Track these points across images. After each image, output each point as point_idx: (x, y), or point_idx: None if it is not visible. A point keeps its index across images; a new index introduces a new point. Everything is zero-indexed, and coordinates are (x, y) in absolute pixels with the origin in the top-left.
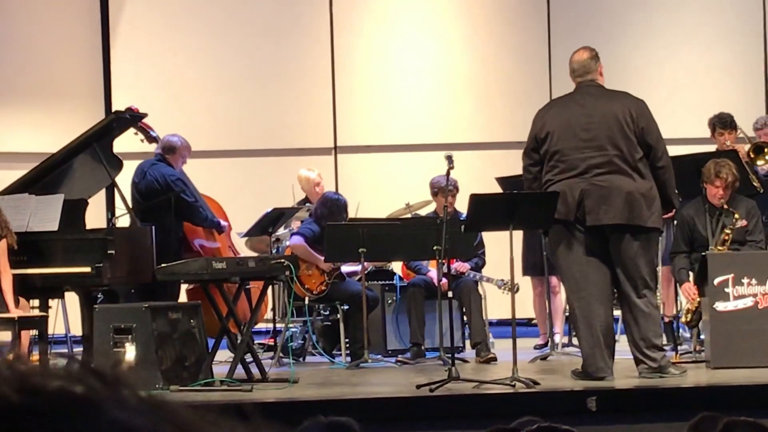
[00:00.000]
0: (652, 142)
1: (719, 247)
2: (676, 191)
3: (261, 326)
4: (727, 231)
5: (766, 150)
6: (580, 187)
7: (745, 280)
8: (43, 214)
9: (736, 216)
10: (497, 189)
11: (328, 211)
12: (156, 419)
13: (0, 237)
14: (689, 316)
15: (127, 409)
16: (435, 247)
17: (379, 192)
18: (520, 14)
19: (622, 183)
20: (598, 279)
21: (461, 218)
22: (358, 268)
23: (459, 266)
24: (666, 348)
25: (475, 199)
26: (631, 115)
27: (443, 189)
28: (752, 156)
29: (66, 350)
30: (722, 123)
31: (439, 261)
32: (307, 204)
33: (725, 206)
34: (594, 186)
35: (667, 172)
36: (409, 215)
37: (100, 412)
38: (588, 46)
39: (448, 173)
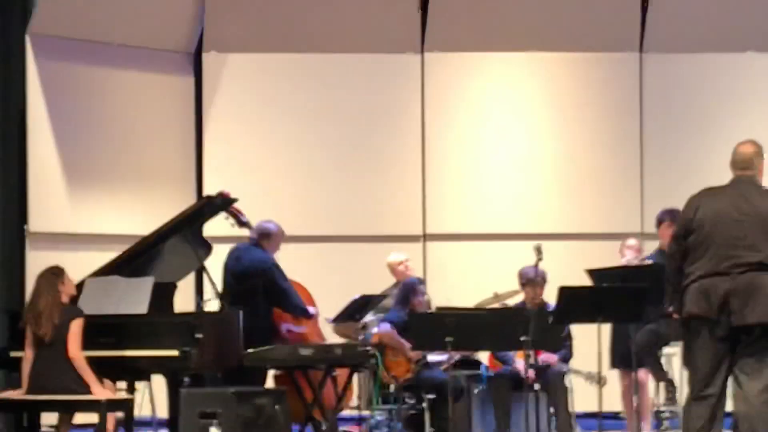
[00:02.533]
0: None
1: None
2: None
3: (346, 413)
4: None
5: None
6: (725, 286)
7: None
8: (132, 297)
9: None
10: (585, 280)
11: (402, 294)
12: None
13: (73, 318)
14: None
15: None
16: (522, 338)
17: (468, 280)
18: (612, 107)
19: (766, 280)
20: (724, 376)
21: (549, 309)
22: (444, 357)
23: (546, 357)
24: None
25: (565, 292)
26: None
27: (532, 280)
28: None
29: None
30: None
31: (527, 352)
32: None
33: None
34: (739, 285)
35: None
36: (497, 305)
37: None
38: (754, 140)
39: (536, 264)
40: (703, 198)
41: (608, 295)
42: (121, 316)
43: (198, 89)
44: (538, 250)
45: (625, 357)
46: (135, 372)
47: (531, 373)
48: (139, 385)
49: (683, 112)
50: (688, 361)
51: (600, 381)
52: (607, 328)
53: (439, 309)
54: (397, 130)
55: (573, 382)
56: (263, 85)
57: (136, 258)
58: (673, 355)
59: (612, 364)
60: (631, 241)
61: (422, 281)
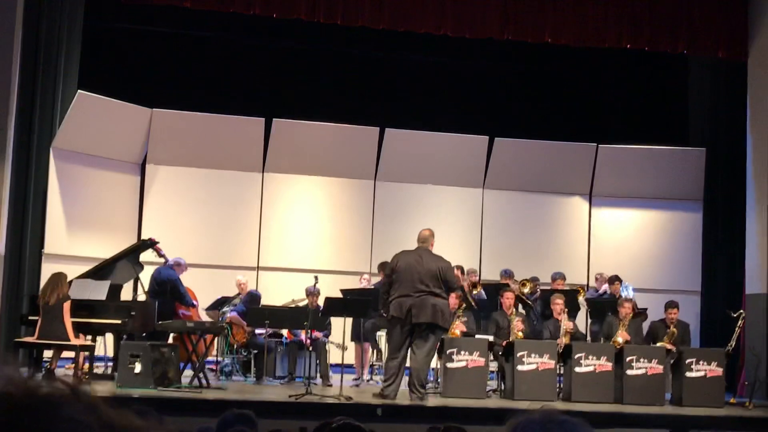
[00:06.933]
0: (450, 283)
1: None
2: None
3: (210, 359)
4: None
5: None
6: (409, 302)
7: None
8: (98, 290)
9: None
10: (339, 294)
11: (251, 299)
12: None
13: (65, 300)
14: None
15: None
16: (305, 323)
17: (281, 293)
18: (354, 200)
19: (431, 300)
20: (406, 348)
21: (320, 309)
22: (264, 330)
23: (317, 334)
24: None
25: (327, 300)
26: (441, 269)
27: (311, 293)
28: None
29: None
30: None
31: (307, 330)
32: (240, 295)
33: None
34: (417, 301)
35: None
36: (294, 305)
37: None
38: (430, 228)
39: (315, 285)
40: (401, 255)
41: (351, 302)
42: (91, 299)
43: (141, 187)
44: (316, 278)
45: (358, 335)
46: (97, 330)
47: (308, 341)
48: (99, 338)
49: (410, 194)
50: (389, 338)
51: (344, 347)
52: (349, 320)
53: (264, 306)
54: (242, 208)
55: (330, 347)
56: (182, 188)
57: (101, 270)
58: (382, 336)
59: (351, 337)
60: (365, 276)
61: (259, 293)
